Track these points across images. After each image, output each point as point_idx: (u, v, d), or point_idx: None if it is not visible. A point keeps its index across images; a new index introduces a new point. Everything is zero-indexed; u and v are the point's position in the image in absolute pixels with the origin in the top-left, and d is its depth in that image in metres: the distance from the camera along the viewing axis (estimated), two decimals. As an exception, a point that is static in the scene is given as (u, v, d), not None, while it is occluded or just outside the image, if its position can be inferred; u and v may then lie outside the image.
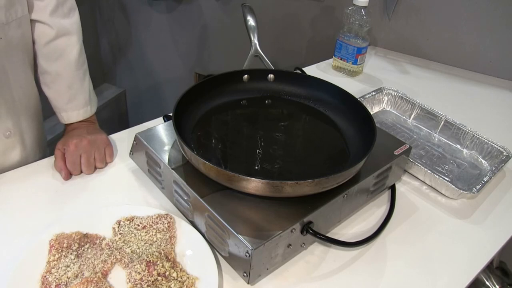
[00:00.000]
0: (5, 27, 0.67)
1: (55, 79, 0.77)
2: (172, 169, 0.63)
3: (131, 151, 0.74)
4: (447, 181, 0.73)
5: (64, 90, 0.78)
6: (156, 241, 0.59)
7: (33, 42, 0.75)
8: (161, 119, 0.84)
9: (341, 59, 1.16)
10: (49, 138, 1.64)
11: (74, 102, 0.79)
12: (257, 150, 0.68)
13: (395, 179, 0.75)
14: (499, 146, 0.82)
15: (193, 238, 0.60)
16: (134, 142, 0.71)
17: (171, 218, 0.62)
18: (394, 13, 1.27)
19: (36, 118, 0.82)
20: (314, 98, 0.80)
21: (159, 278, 0.54)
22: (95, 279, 0.53)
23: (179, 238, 0.60)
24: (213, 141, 0.69)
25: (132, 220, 0.62)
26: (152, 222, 0.61)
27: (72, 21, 0.76)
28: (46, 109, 0.85)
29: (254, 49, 0.86)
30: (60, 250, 0.56)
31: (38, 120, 0.84)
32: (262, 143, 0.69)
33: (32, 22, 0.73)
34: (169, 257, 0.57)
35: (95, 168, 0.74)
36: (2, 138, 0.74)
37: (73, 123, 0.81)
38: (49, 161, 0.75)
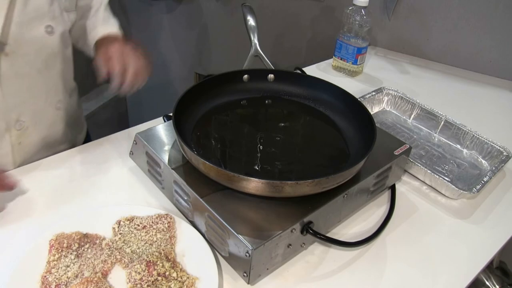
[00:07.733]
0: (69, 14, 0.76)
1: (90, 9, 0.85)
2: (172, 169, 0.63)
3: (131, 151, 0.74)
4: (447, 181, 0.73)
5: (101, 15, 0.86)
6: (156, 241, 0.59)
7: None
8: (161, 119, 0.84)
9: (341, 59, 1.16)
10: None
11: (109, 21, 0.86)
12: (257, 150, 0.68)
13: (395, 179, 0.75)
14: (499, 146, 0.82)
15: (193, 238, 0.60)
16: (134, 142, 0.71)
17: (171, 218, 0.62)
18: (394, 13, 1.27)
19: (75, 94, 0.89)
20: (314, 98, 0.80)
21: (159, 278, 0.54)
22: (95, 279, 0.53)
23: (179, 238, 0.60)
24: (213, 141, 0.69)
25: (132, 220, 0.62)
26: (152, 222, 0.61)
27: None
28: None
29: (254, 49, 0.86)
30: (60, 250, 0.56)
31: (77, 96, 0.91)
32: (262, 143, 0.69)
33: None
34: (169, 257, 0.57)
35: (139, 80, 0.73)
36: (54, 110, 0.80)
37: (110, 36, 0.81)
38: (49, 161, 0.75)
